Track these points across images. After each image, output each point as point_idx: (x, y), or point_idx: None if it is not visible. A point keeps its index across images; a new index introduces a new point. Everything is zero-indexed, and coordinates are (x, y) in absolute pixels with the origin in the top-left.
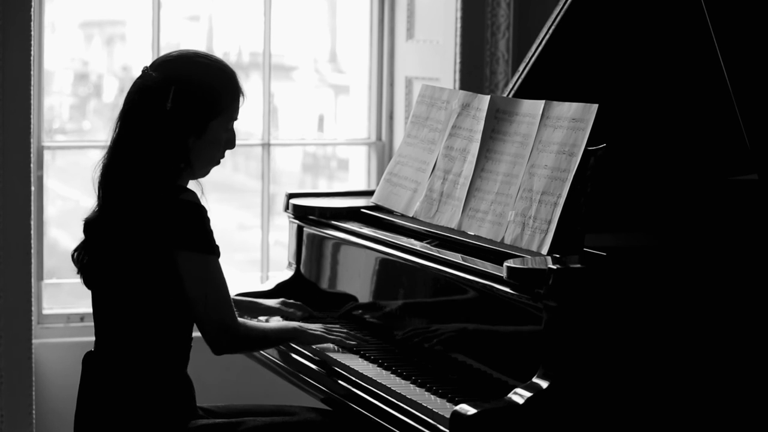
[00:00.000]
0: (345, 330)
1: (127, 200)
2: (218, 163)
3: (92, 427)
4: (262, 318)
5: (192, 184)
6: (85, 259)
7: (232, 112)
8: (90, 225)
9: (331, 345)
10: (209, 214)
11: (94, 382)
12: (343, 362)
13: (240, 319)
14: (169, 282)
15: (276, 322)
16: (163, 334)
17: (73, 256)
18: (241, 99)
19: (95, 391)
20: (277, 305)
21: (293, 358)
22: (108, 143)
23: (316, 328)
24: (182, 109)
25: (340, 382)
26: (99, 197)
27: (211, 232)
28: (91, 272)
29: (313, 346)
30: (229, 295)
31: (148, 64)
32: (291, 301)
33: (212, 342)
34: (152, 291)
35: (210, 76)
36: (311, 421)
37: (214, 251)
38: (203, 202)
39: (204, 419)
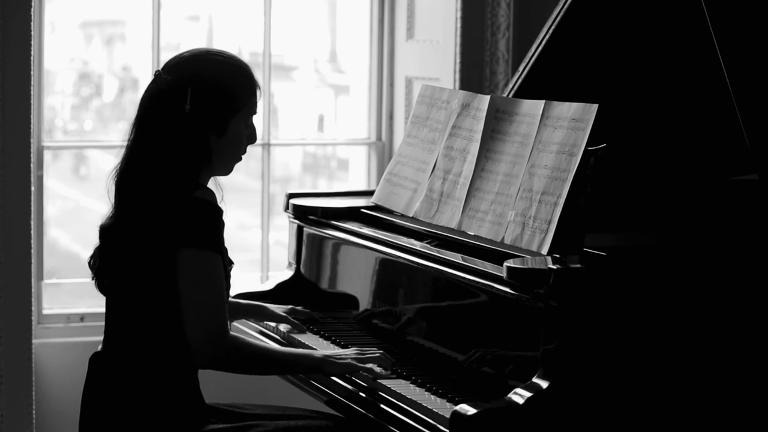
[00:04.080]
0: (379, 352)
1: (145, 204)
2: (240, 159)
3: (99, 428)
4: (270, 324)
5: (211, 187)
6: (98, 263)
7: (251, 106)
8: (106, 231)
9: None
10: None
11: (101, 383)
12: None
13: (234, 333)
14: (177, 282)
15: (294, 348)
16: (174, 337)
17: (89, 263)
18: (258, 93)
19: (102, 393)
20: (284, 314)
21: None
22: (123, 149)
23: (347, 354)
24: (201, 109)
25: (340, 382)
26: (114, 203)
27: (219, 232)
28: (106, 276)
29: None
30: (223, 303)
31: (161, 68)
32: (300, 308)
33: (196, 351)
34: (163, 292)
35: (225, 73)
36: (315, 425)
37: (218, 250)
38: (221, 206)
39: (213, 424)
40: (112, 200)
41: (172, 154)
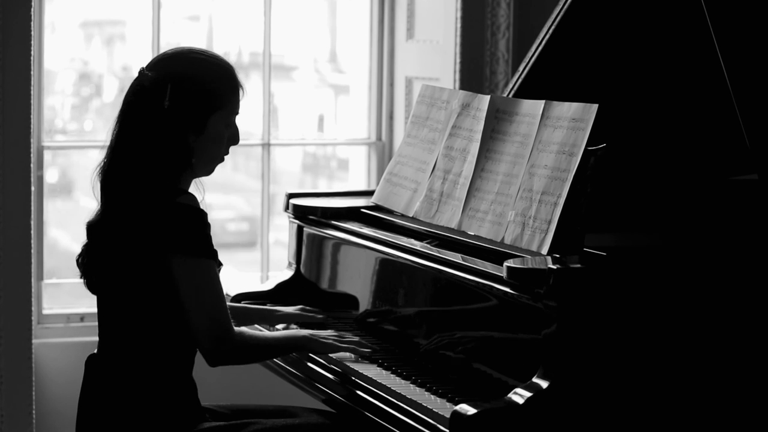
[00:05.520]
0: (357, 337)
1: (127, 203)
2: (222, 160)
3: (96, 429)
4: (279, 327)
5: (193, 188)
6: (87, 262)
7: (232, 106)
8: (92, 228)
9: (346, 354)
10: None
11: (97, 385)
12: (343, 363)
13: (237, 329)
14: (170, 287)
15: (283, 330)
16: (167, 339)
17: (77, 261)
18: (240, 92)
19: (98, 395)
20: (296, 311)
21: (294, 359)
22: (106, 146)
23: (327, 335)
24: (180, 106)
25: (340, 382)
26: (100, 200)
27: (208, 237)
28: (94, 276)
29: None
30: (224, 304)
31: (145, 65)
32: (310, 308)
33: (206, 353)
34: (153, 296)
35: (206, 71)
36: (312, 423)
37: (211, 255)
38: (203, 207)
39: (208, 422)
40: (97, 196)
41: (151, 150)
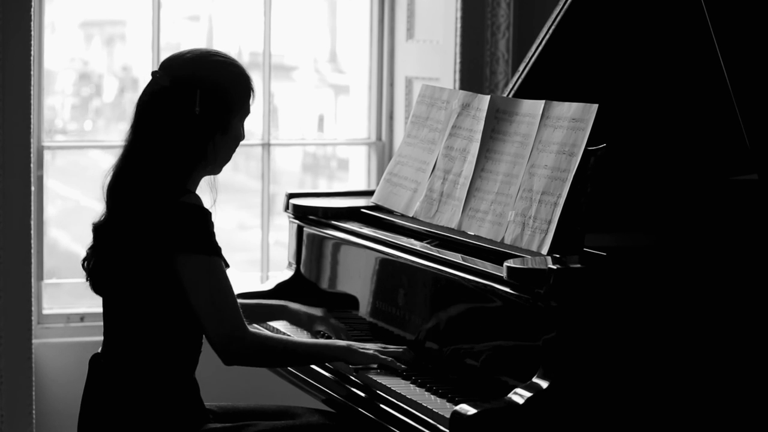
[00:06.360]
0: (401, 348)
1: (135, 203)
2: (230, 159)
3: (98, 429)
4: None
5: (205, 190)
6: (92, 264)
7: (248, 107)
8: (99, 230)
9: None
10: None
11: (101, 384)
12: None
13: (254, 330)
14: (175, 287)
15: (315, 339)
16: (172, 339)
17: (83, 264)
18: (252, 94)
19: (101, 394)
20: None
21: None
22: (121, 150)
23: (370, 347)
24: (210, 111)
25: (340, 382)
26: (108, 202)
27: (212, 234)
28: (99, 277)
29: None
30: (234, 300)
31: (157, 69)
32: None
33: (218, 352)
34: (158, 296)
35: (228, 75)
36: (313, 423)
37: (215, 252)
38: (212, 208)
39: (211, 423)
40: (105, 198)
41: (175, 154)
